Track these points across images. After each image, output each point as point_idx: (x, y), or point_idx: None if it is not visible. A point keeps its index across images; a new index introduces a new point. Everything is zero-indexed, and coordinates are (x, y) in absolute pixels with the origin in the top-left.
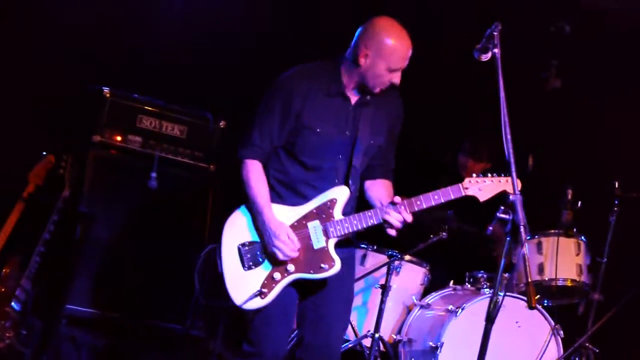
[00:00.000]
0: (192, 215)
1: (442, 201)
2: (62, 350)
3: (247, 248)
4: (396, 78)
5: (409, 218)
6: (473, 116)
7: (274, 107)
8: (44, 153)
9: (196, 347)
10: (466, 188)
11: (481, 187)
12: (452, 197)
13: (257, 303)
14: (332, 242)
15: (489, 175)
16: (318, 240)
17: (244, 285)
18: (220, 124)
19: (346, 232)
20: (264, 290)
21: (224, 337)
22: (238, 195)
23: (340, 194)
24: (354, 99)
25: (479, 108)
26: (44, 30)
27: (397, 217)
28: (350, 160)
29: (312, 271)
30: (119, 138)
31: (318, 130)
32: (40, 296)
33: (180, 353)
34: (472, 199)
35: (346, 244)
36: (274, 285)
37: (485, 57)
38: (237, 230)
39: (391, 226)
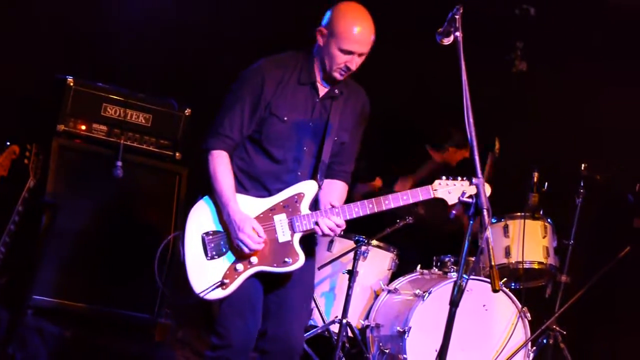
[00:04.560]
0: (158, 203)
1: (411, 202)
2: (29, 340)
3: (211, 237)
4: (350, 62)
5: (342, 224)
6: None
7: (244, 96)
8: (8, 143)
9: (164, 335)
10: (435, 190)
11: (450, 190)
12: (421, 199)
13: (218, 294)
14: (298, 236)
15: (459, 178)
16: (284, 234)
17: (206, 275)
18: (186, 111)
19: (312, 227)
20: (226, 280)
21: (192, 324)
22: (203, 184)
23: (309, 189)
24: (322, 90)
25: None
26: (5, 19)
27: (329, 224)
28: (319, 154)
29: (275, 265)
30: (83, 127)
31: (285, 118)
32: (5, 287)
33: (148, 341)
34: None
35: (307, 239)
36: (236, 276)
37: (448, 40)
38: (202, 219)
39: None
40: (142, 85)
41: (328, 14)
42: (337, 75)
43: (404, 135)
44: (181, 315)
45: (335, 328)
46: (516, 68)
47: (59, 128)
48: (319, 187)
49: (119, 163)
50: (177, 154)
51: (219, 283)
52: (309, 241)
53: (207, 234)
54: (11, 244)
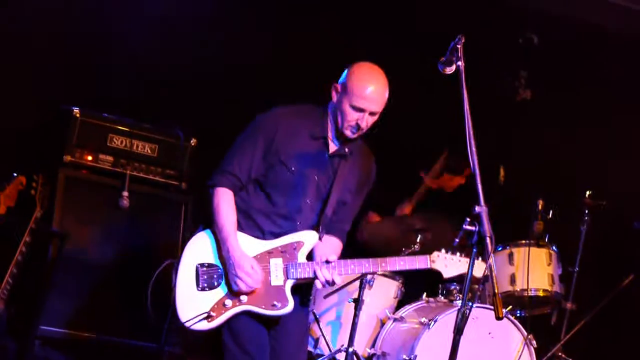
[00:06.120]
0: (164, 233)
1: (407, 268)
2: None
3: (205, 269)
4: (362, 120)
5: (338, 280)
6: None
7: (257, 139)
8: (15, 174)
9: None
10: (433, 261)
11: (447, 263)
12: (417, 267)
13: (203, 325)
14: (290, 283)
15: (458, 254)
16: (277, 277)
17: (193, 305)
18: (191, 141)
19: (306, 276)
20: (212, 313)
21: (200, 353)
22: (205, 217)
23: (309, 239)
24: (332, 147)
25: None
26: (12, 50)
27: (327, 276)
28: (323, 208)
29: (263, 306)
30: (89, 158)
31: (292, 168)
32: (13, 317)
33: None
34: (441, 205)
35: (303, 288)
36: (223, 311)
37: (450, 69)
38: (199, 250)
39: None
40: (147, 115)
41: (345, 72)
42: (348, 132)
43: (398, 163)
44: (189, 344)
45: (341, 357)
46: (520, 96)
47: (65, 159)
48: (319, 238)
49: (125, 193)
50: (183, 184)
51: (205, 315)
52: (304, 292)
53: (202, 265)
54: (18, 275)
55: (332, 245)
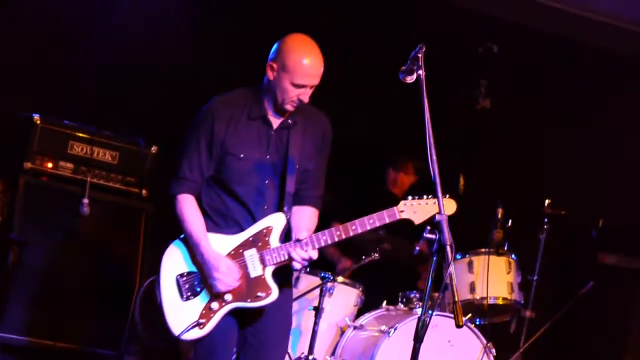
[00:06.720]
0: (124, 240)
1: (377, 225)
2: None
3: (185, 279)
4: (303, 95)
5: (314, 255)
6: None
7: (199, 137)
8: None
9: None
10: (401, 211)
11: (416, 209)
12: (387, 221)
13: (196, 333)
14: (269, 270)
15: (425, 197)
16: (255, 269)
17: (183, 316)
18: (152, 149)
19: (282, 259)
20: (202, 320)
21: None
22: (170, 221)
23: (276, 222)
24: (276, 122)
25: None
26: None
27: (302, 255)
28: (282, 186)
29: (249, 300)
30: (50, 165)
31: (241, 156)
32: None
33: None
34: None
35: (282, 270)
36: (212, 315)
37: (411, 78)
38: (175, 261)
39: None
40: (108, 122)
41: (276, 48)
42: (289, 107)
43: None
44: (148, 352)
45: None
46: (480, 105)
47: (25, 165)
48: (287, 218)
49: (86, 200)
50: (144, 191)
51: (196, 323)
52: (285, 272)
53: (181, 275)
54: None
55: (306, 216)
